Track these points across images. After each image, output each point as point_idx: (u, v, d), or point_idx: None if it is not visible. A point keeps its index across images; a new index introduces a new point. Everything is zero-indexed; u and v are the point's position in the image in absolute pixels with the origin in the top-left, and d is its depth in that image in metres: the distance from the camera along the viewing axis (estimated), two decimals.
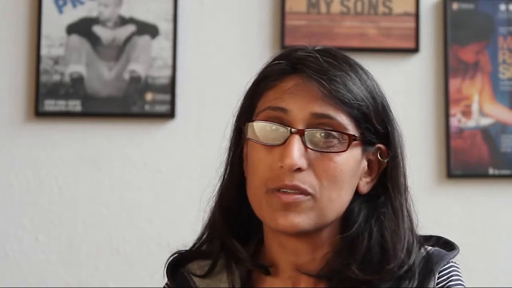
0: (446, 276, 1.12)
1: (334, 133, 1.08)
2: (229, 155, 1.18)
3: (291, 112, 1.09)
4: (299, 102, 1.09)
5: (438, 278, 1.12)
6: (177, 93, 2.34)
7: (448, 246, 1.18)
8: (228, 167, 1.18)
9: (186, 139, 2.35)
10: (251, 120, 1.12)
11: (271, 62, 1.14)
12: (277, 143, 1.09)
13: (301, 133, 1.08)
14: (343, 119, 1.09)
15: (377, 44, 2.38)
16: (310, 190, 1.07)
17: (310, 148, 1.08)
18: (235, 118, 1.18)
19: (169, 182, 2.33)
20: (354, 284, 1.08)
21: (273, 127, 1.09)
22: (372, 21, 2.39)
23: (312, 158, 1.08)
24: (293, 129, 1.08)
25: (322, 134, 1.08)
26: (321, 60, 1.10)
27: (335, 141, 1.08)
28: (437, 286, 1.11)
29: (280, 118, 1.09)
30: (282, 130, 1.09)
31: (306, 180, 1.07)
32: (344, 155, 1.09)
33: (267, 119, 1.10)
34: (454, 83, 2.37)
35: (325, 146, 1.08)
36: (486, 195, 2.37)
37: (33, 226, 2.30)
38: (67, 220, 2.31)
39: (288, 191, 1.07)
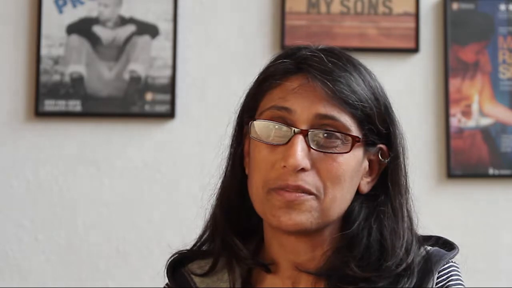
0: (446, 276, 1.12)
1: (337, 134, 1.08)
2: (230, 152, 1.18)
3: (295, 112, 1.08)
4: (303, 102, 1.08)
5: (438, 277, 1.12)
6: (177, 93, 2.34)
7: (448, 245, 1.18)
8: (229, 164, 1.18)
9: (186, 139, 2.35)
10: (254, 118, 1.12)
11: (275, 60, 1.14)
12: (280, 143, 1.09)
13: (304, 133, 1.08)
14: (347, 120, 1.09)
15: (377, 44, 2.38)
16: (314, 190, 1.07)
17: (313, 149, 1.08)
18: (236, 115, 1.18)
19: (169, 182, 2.33)
20: (353, 281, 1.08)
21: (276, 126, 1.09)
22: (372, 21, 2.39)
23: (315, 159, 1.08)
24: (296, 129, 1.08)
25: (326, 135, 1.08)
26: (325, 60, 1.10)
27: (338, 142, 1.08)
28: (436, 286, 1.11)
29: (284, 117, 1.09)
30: (285, 130, 1.09)
31: (310, 181, 1.07)
32: (346, 156, 1.09)
33: (271, 118, 1.10)
34: (454, 83, 2.37)
35: (328, 147, 1.08)
36: (486, 195, 2.37)
37: (33, 226, 2.30)
38: (67, 220, 2.31)
39: (291, 191, 1.07)
